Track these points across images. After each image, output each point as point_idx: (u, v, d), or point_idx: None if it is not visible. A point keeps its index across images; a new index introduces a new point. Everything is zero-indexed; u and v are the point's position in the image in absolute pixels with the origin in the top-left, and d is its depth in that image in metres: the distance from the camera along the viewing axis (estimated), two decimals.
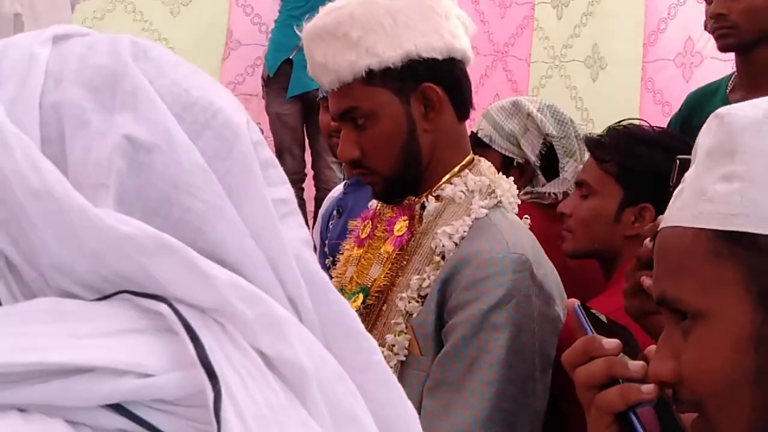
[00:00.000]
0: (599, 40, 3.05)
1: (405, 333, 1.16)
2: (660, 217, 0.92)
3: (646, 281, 0.91)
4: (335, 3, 1.20)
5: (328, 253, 1.91)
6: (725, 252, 0.61)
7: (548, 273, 1.21)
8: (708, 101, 1.90)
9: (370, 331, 0.65)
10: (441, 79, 1.19)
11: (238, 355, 0.43)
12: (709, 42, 2.35)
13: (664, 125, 1.84)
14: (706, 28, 1.96)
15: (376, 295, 1.21)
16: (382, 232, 1.26)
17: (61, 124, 0.46)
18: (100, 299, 0.43)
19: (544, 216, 1.69)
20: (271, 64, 3.68)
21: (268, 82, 3.71)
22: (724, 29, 1.79)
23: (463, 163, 1.25)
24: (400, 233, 1.22)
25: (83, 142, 0.45)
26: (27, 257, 0.44)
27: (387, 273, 1.21)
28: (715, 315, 0.62)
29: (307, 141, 3.81)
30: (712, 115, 0.65)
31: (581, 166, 1.91)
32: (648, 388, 0.65)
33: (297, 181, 3.66)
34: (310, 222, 3.22)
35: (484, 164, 1.28)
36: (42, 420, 0.40)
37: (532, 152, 1.86)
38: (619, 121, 1.48)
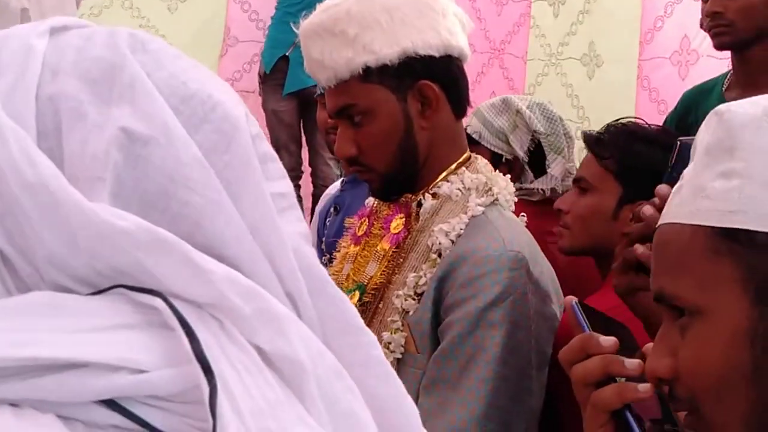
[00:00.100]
0: (595, 38, 3.05)
1: (401, 330, 1.16)
2: (644, 205, 0.92)
3: (640, 248, 0.90)
4: (332, 0, 1.20)
5: (325, 251, 1.91)
6: (723, 249, 0.61)
7: (544, 270, 1.21)
8: (704, 99, 1.91)
9: None
10: (438, 77, 1.19)
11: (235, 351, 0.43)
12: (705, 40, 2.35)
13: (660, 123, 1.85)
14: (702, 27, 1.96)
15: (373, 292, 1.21)
16: (379, 230, 1.26)
17: (57, 116, 0.45)
18: (94, 294, 0.43)
19: (532, 212, 1.70)
20: (268, 60, 3.68)
21: (264, 79, 3.72)
22: (720, 27, 1.79)
23: (460, 160, 1.25)
24: (397, 231, 1.22)
25: (80, 134, 0.45)
26: (22, 251, 0.43)
27: (383, 270, 1.21)
28: (712, 312, 0.62)
29: (304, 138, 3.81)
30: (711, 112, 0.65)
31: (570, 164, 1.93)
32: (644, 387, 0.65)
33: (294, 178, 3.66)
34: (307, 219, 3.22)
35: (481, 162, 1.28)
36: (34, 415, 0.40)
37: (520, 148, 1.88)
38: (617, 119, 1.48)
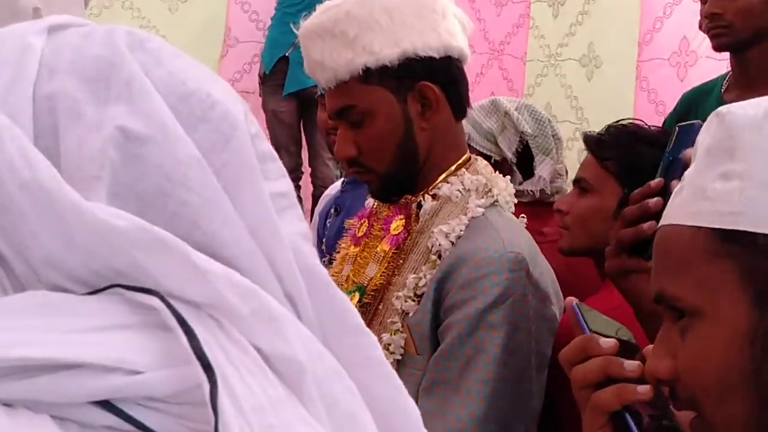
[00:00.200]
0: (594, 39, 3.06)
1: (401, 332, 1.16)
2: (639, 195, 0.93)
3: (651, 201, 0.90)
4: (332, 1, 1.20)
5: (325, 251, 1.91)
6: (723, 250, 0.61)
7: (544, 272, 1.21)
8: (703, 100, 1.91)
9: None
10: (438, 78, 1.19)
11: (235, 350, 0.42)
12: (704, 41, 2.36)
13: (658, 124, 1.85)
14: (700, 28, 1.96)
15: (373, 293, 1.21)
16: (379, 231, 1.26)
17: (54, 115, 0.45)
18: (91, 293, 0.43)
19: (521, 214, 1.71)
20: (268, 61, 3.68)
21: (264, 79, 3.72)
22: (718, 29, 1.79)
23: (460, 161, 1.25)
24: (397, 232, 1.22)
25: (76, 133, 0.45)
26: (18, 251, 0.43)
27: (383, 272, 1.21)
28: (712, 313, 0.62)
29: (303, 138, 3.81)
30: (712, 114, 0.65)
31: (558, 165, 1.93)
32: (644, 389, 0.65)
33: (293, 179, 3.65)
34: (307, 219, 3.21)
35: (481, 163, 1.28)
36: (27, 415, 0.40)
37: (508, 149, 1.89)
38: (617, 121, 1.48)
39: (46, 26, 0.48)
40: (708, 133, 0.65)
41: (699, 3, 1.96)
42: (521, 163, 1.91)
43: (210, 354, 0.41)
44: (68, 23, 0.49)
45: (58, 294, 0.43)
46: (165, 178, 0.44)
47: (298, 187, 3.69)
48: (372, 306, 1.21)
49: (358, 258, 1.27)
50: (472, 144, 1.91)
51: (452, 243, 1.17)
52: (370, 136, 1.20)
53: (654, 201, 0.91)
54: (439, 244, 1.17)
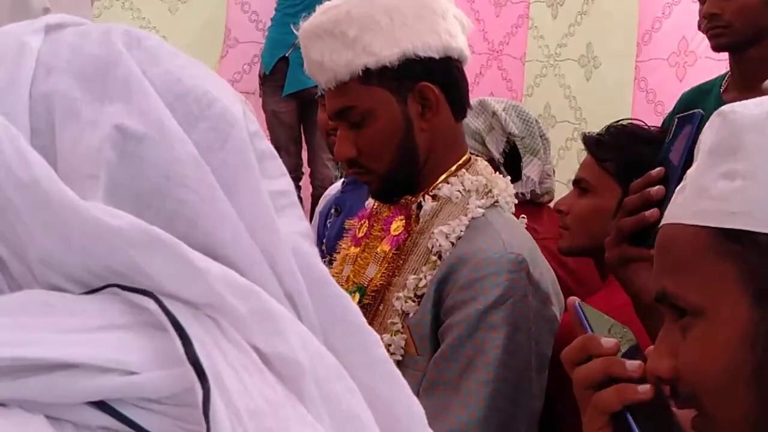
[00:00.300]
0: (593, 39, 3.06)
1: (401, 333, 1.16)
2: (639, 184, 0.92)
3: (653, 189, 0.89)
4: (332, 1, 1.20)
5: (326, 252, 1.91)
6: (725, 250, 0.61)
7: (544, 272, 1.21)
8: (702, 100, 1.91)
9: None
10: (438, 79, 1.19)
11: (233, 350, 0.42)
12: (703, 42, 2.36)
13: (657, 124, 1.85)
14: (699, 28, 1.97)
15: (373, 294, 1.21)
16: (379, 232, 1.26)
17: (51, 114, 0.45)
18: (87, 293, 0.43)
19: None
20: (268, 61, 3.68)
21: (264, 79, 3.72)
22: (717, 29, 1.79)
23: (460, 162, 1.25)
24: (397, 232, 1.22)
25: (73, 132, 0.44)
26: (14, 250, 0.43)
27: (383, 272, 1.21)
28: (713, 312, 0.62)
29: (303, 139, 3.81)
30: (715, 113, 0.65)
31: (547, 165, 1.94)
32: (644, 388, 0.66)
33: (293, 179, 3.63)
34: (307, 220, 3.21)
35: (481, 164, 1.28)
36: (21, 415, 0.39)
37: (496, 150, 1.90)
38: (617, 121, 1.48)
39: (43, 25, 0.48)
40: (711, 133, 0.65)
41: (698, 3, 1.96)
42: (508, 163, 1.91)
43: (205, 357, 0.40)
44: (65, 22, 0.49)
45: (54, 293, 0.42)
46: (162, 177, 0.44)
47: (298, 188, 3.69)
48: (372, 307, 1.21)
49: (359, 258, 1.27)
50: None
51: (452, 244, 1.17)
52: (370, 137, 1.20)
53: (656, 189, 0.90)
54: (440, 245, 1.17)
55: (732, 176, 0.62)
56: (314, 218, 2.27)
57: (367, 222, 1.31)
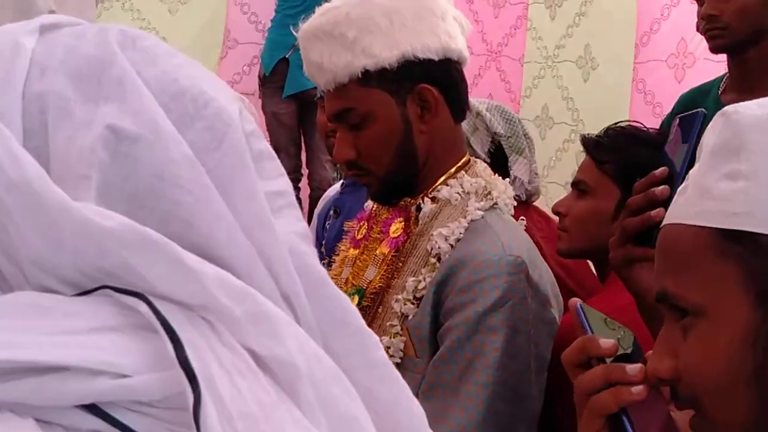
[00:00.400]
0: (591, 41, 3.06)
1: (400, 335, 1.16)
2: (643, 184, 0.92)
3: (657, 189, 0.90)
4: (331, 3, 1.20)
5: (325, 254, 1.91)
6: (727, 250, 0.61)
7: (543, 275, 1.21)
8: (701, 102, 1.91)
9: None
10: (437, 80, 1.19)
11: (226, 353, 0.42)
12: (702, 43, 2.36)
13: (656, 126, 1.86)
14: (698, 29, 1.97)
15: (372, 296, 1.21)
16: (378, 234, 1.26)
17: (44, 114, 0.44)
18: (79, 294, 0.42)
19: None
20: (267, 63, 3.69)
21: (264, 81, 3.72)
22: (715, 30, 1.80)
23: (459, 164, 1.25)
24: (396, 235, 1.22)
25: (66, 133, 0.44)
26: (5, 251, 0.43)
27: (382, 275, 1.21)
28: (714, 313, 0.62)
29: (303, 140, 3.81)
30: (718, 113, 0.65)
31: (533, 164, 1.95)
32: (637, 389, 0.66)
33: (293, 181, 3.66)
34: (306, 221, 3.21)
35: (480, 165, 1.28)
36: (11, 419, 0.39)
37: (481, 150, 1.91)
38: (615, 123, 1.49)
39: (38, 25, 0.48)
40: (714, 133, 0.65)
41: (696, 4, 1.97)
42: (494, 163, 1.92)
43: (198, 361, 0.40)
44: (61, 23, 0.49)
45: (46, 295, 0.42)
46: (156, 178, 0.44)
47: (297, 189, 3.69)
48: (371, 309, 1.21)
49: (358, 261, 1.27)
50: None
51: (451, 246, 1.17)
52: (369, 139, 1.20)
53: (660, 189, 0.90)
54: (439, 247, 1.17)
55: (735, 177, 0.62)
56: (313, 220, 2.27)
57: (366, 224, 1.31)
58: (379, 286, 1.21)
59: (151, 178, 0.44)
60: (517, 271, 1.14)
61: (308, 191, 3.73)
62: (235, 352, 0.42)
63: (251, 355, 0.43)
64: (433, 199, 1.23)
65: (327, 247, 1.93)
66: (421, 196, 1.23)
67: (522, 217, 1.31)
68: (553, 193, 3.03)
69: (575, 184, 1.50)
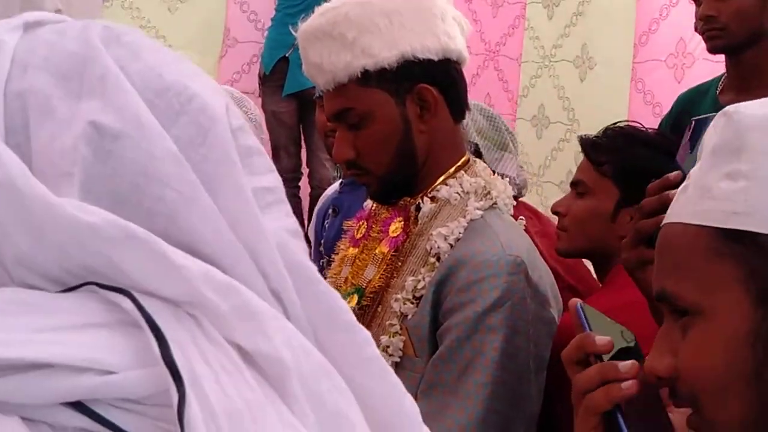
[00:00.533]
0: (589, 40, 3.06)
1: (400, 334, 1.16)
2: (657, 187, 0.92)
3: (672, 192, 0.90)
4: (331, 3, 1.19)
5: (324, 253, 1.91)
6: (727, 250, 0.62)
7: (543, 275, 1.21)
8: (699, 102, 1.91)
9: None
10: (436, 80, 1.19)
11: (212, 349, 0.41)
12: (701, 43, 2.36)
13: (654, 126, 1.86)
14: (696, 30, 1.98)
15: (371, 296, 1.21)
16: (378, 233, 1.26)
17: (26, 112, 0.44)
18: (64, 291, 0.42)
19: None
20: (267, 62, 3.69)
21: (264, 80, 3.72)
22: (713, 31, 1.80)
23: (459, 164, 1.25)
24: (395, 234, 1.22)
25: (48, 130, 0.44)
26: None
27: (382, 274, 1.21)
28: (713, 312, 0.62)
29: (303, 139, 3.81)
30: (719, 113, 0.65)
31: (518, 157, 1.94)
32: (627, 384, 0.66)
33: (293, 179, 3.67)
34: (306, 220, 3.22)
35: (479, 165, 1.28)
36: None
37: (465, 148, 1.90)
38: (614, 123, 1.49)
39: (21, 23, 0.48)
40: (715, 133, 0.65)
41: (694, 5, 1.97)
42: None
43: (182, 358, 0.39)
44: (44, 20, 0.49)
45: (29, 291, 0.42)
46: (140, 174, 0.43)
47: (297, 188, 3.69)
48: (371, 308, 1.21)
49: (357, 260, 1.27)
50: None
51: (451, 246, 1.17)
52: (369, 139, 1.20)
53: (675, 192, 0.90)
54: (438, 247, 1.17)
55: (735, 176, 0.62)
56: (313, 218, 2.27)
57: (365, 223, 1.31)
58: (379, 286, 1.21)
59: (135, 174, 0.43)
60: (516, 271, 1.14)
61: (308, 190, 3.73)
62: (220, 349, 0.42)
63: (238, 350, 0.42)
64: (433, 199, 1.23)
65: (326, 246, 1.93)
66: (420, 195, 1.23)
67: (521, 217, 1.32)
68: (548, 192, 3.03)
69: (574, 185, 1.51)
